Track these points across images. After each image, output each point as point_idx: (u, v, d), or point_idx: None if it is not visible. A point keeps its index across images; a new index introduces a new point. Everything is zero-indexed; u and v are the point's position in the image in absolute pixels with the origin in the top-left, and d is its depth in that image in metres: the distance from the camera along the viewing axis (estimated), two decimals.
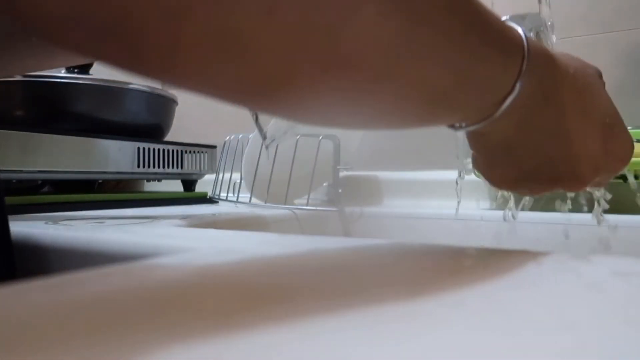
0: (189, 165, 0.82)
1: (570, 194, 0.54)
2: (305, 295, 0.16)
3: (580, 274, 0.20)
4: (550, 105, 0.26)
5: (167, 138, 0.88)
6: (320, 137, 0.67)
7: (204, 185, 0.86)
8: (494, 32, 0.23)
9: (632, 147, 0.32)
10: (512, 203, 0.55)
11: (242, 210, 0.65)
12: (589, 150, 0.28)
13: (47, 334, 0.12)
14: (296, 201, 0.72)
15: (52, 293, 0.17)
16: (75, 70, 0.79)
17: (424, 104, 0.22)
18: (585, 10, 0.76)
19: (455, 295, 0.17)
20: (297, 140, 0.66)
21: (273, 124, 0.58)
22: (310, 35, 0.16)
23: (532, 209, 0.65)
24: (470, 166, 0.32)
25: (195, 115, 1.07)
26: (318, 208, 0.68)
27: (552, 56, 0.26)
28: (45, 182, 0.78)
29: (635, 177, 0.61)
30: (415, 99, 0.22)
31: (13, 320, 0.13)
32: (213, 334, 0.12)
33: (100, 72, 0.85)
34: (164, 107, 0.86)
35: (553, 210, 0.63)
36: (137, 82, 0.79)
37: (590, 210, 0.64)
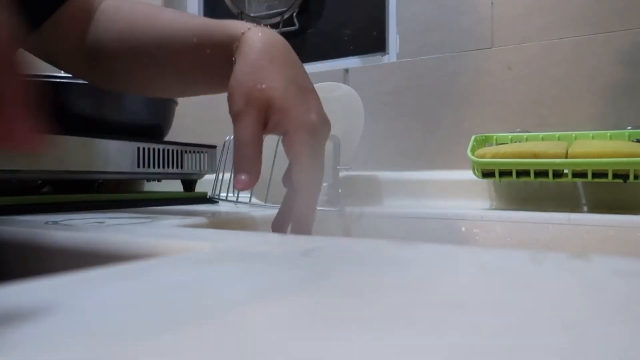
0: (189, 165, 0.82)
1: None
2: (305, 296, 0.16)
3: (580, 274, 0.20)
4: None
5: (167, 138, 0.88)
6: None
7: (204, 185, 0.86)
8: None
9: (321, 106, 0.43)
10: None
11: (242, 210, 0.65)
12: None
13: (47, 334, 0.13)
14: None
15: (52, 293, 0.17)
16: None
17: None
18: (583, 10, 0.76)
19: (454, 295, 0.17)
20: None
21: None
22: None
23: (532, 209, 0.65)
24: None
25: (195, 115, 1.07)
26: (318, 208, 0.68)
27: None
28: (45, 182, 0.78)
29: (635, 177, 0.60)
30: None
31: (13, 321, 0.14)
32: (213, 334, 0.12)
33: None
34: (164, 107, 0.86)
35: (553, 210, 0.63)
36: None
37: (590, 210, 0.64)
